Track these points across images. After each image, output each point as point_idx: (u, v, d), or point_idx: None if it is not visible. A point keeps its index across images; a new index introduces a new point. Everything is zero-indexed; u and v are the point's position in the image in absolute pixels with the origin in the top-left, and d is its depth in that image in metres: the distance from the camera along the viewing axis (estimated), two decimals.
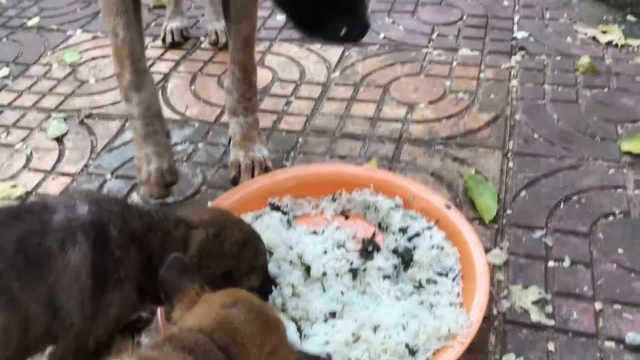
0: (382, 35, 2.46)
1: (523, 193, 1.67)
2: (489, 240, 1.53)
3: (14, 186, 1.80)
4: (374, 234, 1.52)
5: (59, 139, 2.00)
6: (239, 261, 1.19)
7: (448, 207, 1.51)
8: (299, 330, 1.25)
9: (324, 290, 1.35)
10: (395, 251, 1.43)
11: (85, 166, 1.88)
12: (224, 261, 1.16)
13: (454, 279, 1.36)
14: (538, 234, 1.54)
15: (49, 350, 1.09)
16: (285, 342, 0.98)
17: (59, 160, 1.91)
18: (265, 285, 1.28)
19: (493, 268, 1.45)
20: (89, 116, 2.10)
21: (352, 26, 0.96)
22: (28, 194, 1.78)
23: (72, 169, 1.87)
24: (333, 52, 2.36)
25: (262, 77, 2.10)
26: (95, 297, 1.01)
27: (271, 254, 1.39)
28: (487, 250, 1.47)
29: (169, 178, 1.67)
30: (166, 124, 1.71)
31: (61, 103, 2.18)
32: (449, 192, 1.69)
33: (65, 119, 2.09)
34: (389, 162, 1.81)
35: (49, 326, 0.99)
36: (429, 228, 1.48)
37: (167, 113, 2.09)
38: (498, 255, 1.48)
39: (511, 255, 1.49)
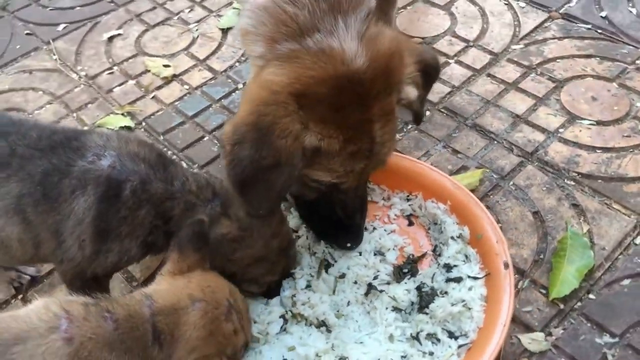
0: None
1: (626, 282, 1.35)
2: (539, 317, 1.31)
3: None
4: (423, 256, 1.41)
5: None
6: (244, 272, 1.20)
7: (505, 267, 1.31)
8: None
9: (333, 292, 1.34)
10: (418, 288, 1.33)
11: None
12: (227, 265, 1.17)
13: (459, 347, 1.23)
14: (604, 340, 1.26)
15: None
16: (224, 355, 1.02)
17: None
18: (268, 292, 1.30)
19: (524, 352, 1.26)
20: None
21: (352, 241, 1.34)
22: None
23: None
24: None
25: None
26: (95, 242, 1.11)
27: (298, 236, 1.41)
28: (527, 327, 1.28)
29: None
30: None
31: None
32: (540, 243, 1.44)
33: None
34: (499, 179, 1.59)
35: (55, 250, 1.15)
36: (475, 279, 1.33)
37: None
38: (538, 341, 1.27)
39: (554, 349, 1.26)
